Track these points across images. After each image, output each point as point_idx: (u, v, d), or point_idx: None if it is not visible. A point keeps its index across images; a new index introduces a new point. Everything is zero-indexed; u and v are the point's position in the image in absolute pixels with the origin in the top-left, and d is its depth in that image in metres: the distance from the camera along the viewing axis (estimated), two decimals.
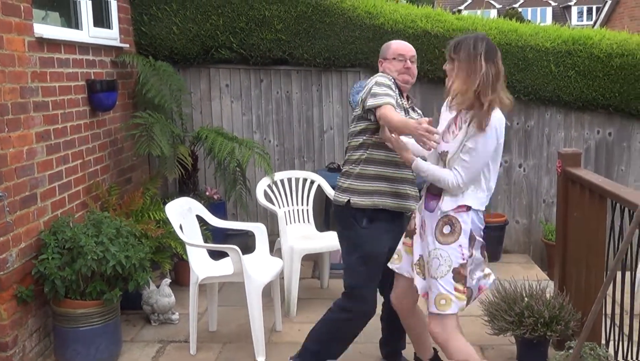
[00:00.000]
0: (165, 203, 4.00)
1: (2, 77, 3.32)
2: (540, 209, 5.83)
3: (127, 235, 3.73)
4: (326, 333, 3.25)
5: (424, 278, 2.93)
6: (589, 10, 38.73)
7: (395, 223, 3.19)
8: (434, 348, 3.34)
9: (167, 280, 4.25)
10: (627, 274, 3.11)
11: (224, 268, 3.82)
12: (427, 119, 2.70)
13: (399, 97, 3.11)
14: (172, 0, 5.38)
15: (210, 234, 4.51)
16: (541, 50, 5.47)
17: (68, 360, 3.60)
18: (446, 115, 2.93)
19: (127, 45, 5.13)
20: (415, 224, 3.03)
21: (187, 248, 3.78)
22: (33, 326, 3.60)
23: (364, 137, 3.12)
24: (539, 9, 41.90)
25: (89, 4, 4.50)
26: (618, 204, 3.14)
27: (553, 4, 42.54)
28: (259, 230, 4.12)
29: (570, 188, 3.65)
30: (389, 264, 3.16)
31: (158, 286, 4.23)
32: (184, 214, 3.92)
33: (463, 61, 2.74)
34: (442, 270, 2.80)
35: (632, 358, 3.18)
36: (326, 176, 4.91)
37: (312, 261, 5.22)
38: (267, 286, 3.78)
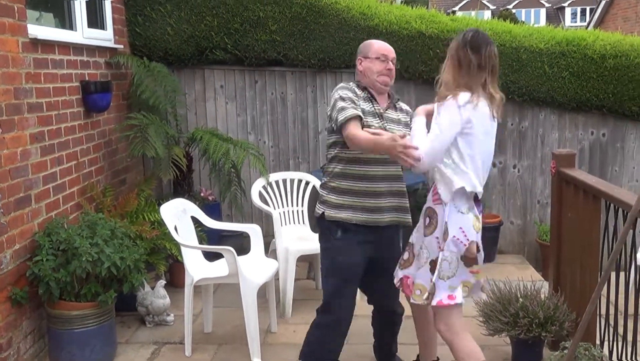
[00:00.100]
0: (160, 204, 4.00)
1: None
2: (534, 210, 5.84)
3: (122, 236, 3.73)
4: (312, 353, 3.23)
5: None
6: (583, 12, 38.93)
7: (373, 234, 3.10)
8: (437, 358, 3.36)
9: (162, 282, 4.24)
10: (622, 274, 3.12)
11: (219, 269, 3.82)
12: (402, 133, 2.65)
13: (370, 104, 3.06)
14: (166, 1, 5.37)
15: (205, 235, 4.50)
16: (535, 52, 5.49)
17: None
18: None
19: (122, 46, 5.11)
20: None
21: (182, 249, 3.77)
22: (27, 328, 3.58)
23: (336, 151, 3.08)
24: (532, 10, 42.10)
25: (83, 4, 4.48)
26: (612, 205, 3.16)
27: (547, 5, 42.72)
28: (254, 231, 4.12)
29: (564, 189, 3.66)
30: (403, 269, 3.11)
31: (153, 288, 4.22)
32: (178, 216, 3.91)
33: (451, 52, 2.78)
34: (422, 261, 2.89)
35: (626, 358, 3.19)
36: (321, 177, 4.87)
37: (307, 262, 5.21)
38: (262, 288, 3.78)
